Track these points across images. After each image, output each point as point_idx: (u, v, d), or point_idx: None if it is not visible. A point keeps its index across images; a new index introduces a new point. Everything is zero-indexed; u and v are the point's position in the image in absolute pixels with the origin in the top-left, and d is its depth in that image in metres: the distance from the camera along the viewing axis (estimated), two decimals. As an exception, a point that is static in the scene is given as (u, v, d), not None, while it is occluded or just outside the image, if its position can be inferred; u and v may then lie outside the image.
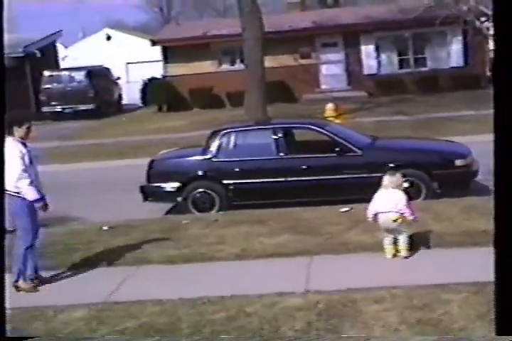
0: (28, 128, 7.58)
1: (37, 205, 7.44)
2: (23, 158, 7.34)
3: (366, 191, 9.13)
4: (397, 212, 7.46)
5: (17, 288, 7.47)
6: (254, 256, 8.06)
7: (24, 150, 7.41)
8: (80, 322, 6.36)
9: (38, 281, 7.65)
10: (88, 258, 8.46)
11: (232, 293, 6.75)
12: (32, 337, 5.95)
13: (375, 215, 7.65)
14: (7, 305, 5.47)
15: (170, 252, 8.44)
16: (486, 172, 11.26)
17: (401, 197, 7.53)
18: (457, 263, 7.27)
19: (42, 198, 7.47)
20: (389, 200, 7.53)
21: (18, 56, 30.93)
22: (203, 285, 7.17)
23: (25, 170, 7.32)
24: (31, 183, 7.34)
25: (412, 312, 5.93)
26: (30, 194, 7.33)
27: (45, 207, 7.56)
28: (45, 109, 30.21)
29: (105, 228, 9.91)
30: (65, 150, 20.51)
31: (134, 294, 7.04)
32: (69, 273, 8.01)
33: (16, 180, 7.27)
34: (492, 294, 6.09)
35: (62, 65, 37.61)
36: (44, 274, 7.82)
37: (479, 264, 7.12)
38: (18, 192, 7.32)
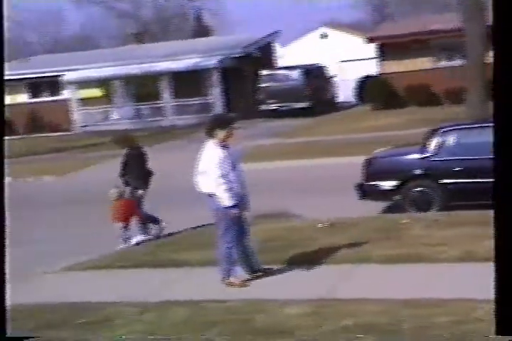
0: (230, 130, 7.64)
1: (230, 212, 7.54)
2: (220, 163, 7.44)
3: None
4: None
5: (229, 284, 7.70)
6: (478, 259, 7.75)
7: (223, 155, 7.49)
8: (302, 317, 6.45)
9: (256, 276, 7.85)
10: (308, 254, 8.57)
11: (457, 297, 6.53)
12: (32, 337, 6.05)
13: None
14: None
15: (389, 252, 8.33)
16: None
17: None
18: None
19: (235, 205, 7.51)
20: None
21: (238, 56, 32.17)
22: (424, 287, 7.01)
23: (222, 176, 7.41)
24: (228, 190, 7.43)
25: None
26: (225, 200, 7.46)
27: (237, 214, 7.61)
28: (262, 107, 31.16)
29: (322, 225, 9.99)
30: (281, 147, 20.96)
31: (354, 292, 7.03)
32: (289, 269, 8.15)
33: (212, 185, 7.45)
34: None
35: (279, 63, 38.56)
36: (266, 269, 8.03)
37: None
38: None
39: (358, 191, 11.44)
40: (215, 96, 31.58)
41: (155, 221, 10.85)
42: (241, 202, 7.67)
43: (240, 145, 8.48)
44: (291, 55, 42.75)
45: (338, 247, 8.66)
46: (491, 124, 11.57)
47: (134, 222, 10.68)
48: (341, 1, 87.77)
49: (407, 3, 62.28)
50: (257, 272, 7.94)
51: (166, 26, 55.90)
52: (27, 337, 5.96)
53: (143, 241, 10.50)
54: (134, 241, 10.49)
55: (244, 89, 32.06)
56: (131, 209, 10.57)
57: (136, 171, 10.68)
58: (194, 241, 9.84)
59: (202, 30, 54.21)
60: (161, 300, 7.42)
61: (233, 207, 7.52)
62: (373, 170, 11.52)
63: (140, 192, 10.67)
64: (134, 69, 32.45)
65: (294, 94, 30.27)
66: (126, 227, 10.50)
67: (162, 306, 7.23)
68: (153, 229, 10.83)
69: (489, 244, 8.07)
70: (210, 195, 7.57)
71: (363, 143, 18.25)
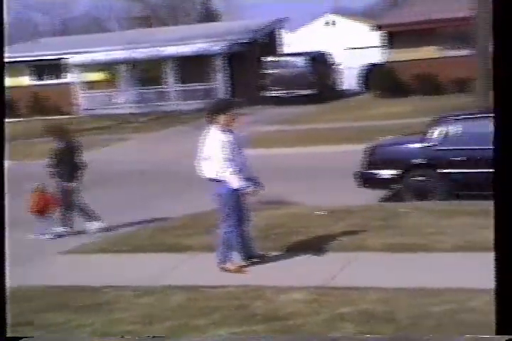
0: (233, 115, 7.65)
1: (242, 192, 7.59)
2: (225, 147, 7.44)
3: None
4: None
5: (224, 270, 7.74)
6: (478, 249, 7.76)
7: (226, 139, 7.50)
8: (300, 304, 6.48)
9: (251, 263, 7.88)
10: (308, 241, 8.59)
11: (452, 286, 6.56)
12: (32, 337, 6.08)
13: None
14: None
15: (389, 240, 8.36)
16: None
17: None
18: None
19: (246, 186, 7.57)
20: None
21: (245, 42, 32.10)
22: (423, 276, 7.03)
23: (227, 159, 7.44)
24: (234, 172, 7.46)
25: None
26: (234, 182, 7.48)
27: (254, 192, 7.70)
28: (267, 94, 31.11)
29: (321, 213, 10.01)
30: (285, 134, 20.96)
31: (354, 280, 7.06)
32: (289, 256, 8.18)
33: (219, 169, 7.47)
34: None
35: (286, 50, 38.46)
36: (262, 255, 8.07)
37: None
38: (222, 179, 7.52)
39: (357, 179, 11.45)
40: (220, 82, 31.53)
41: (90, 216, 10.60)
42: (252, 182, 7.72)
43: (244, 131, 8.44)
44: (298, 41, 42.64)
45: (339, 235, 8.69)
46: (492, 115, 11.68)
47: (54, 214, 10.65)
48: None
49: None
50: (253, 258, 7.97)
51: (174, 10, 55.74)
52: (27, 337, 6.02)
53: (62, 235, 10.48)
54: (50, 233, 10.48)
55: (250, 75, 31.99)
56: (47, 202, 10.55)
57: (68, 164, 10.54)
58: (197, 226, 9.86)
59: (209, 15, 54.08)
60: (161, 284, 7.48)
61: (243, 188, 7.55)
62: (374, 159, 11.52)
63: (70, 184, 10.52)
64: (140, 53, 32.39)
65: (298, 81, 30.21)
66: (43, 219, 10.52)
67: (162, 291, 7.27)
68: (89, 224, 10.61)
69: (489, 234, 8.13)
70: (215, 180, 7.59)
71: (367, 131, 18.27)
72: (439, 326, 5.73)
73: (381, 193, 11.71)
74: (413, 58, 28.42)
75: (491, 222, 8.61)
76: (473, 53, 19.80)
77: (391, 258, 7.83)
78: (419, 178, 10.94)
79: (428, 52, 28.69)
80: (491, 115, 11.81)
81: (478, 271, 7.00)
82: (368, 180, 11.46)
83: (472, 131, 10.88)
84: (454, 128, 10.96)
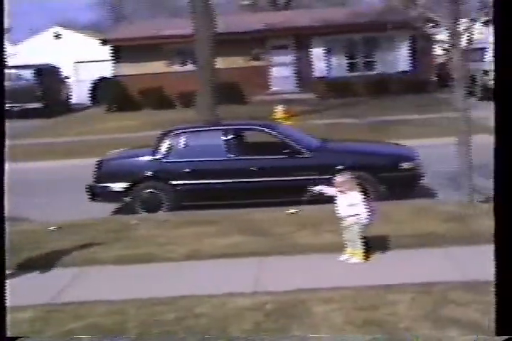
0: None
1: None
2: None
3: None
4: (355, 214, 7.50)
5: None
6: (205, 257, 8.09)
7: None
8: (27, 323, 6.30)
9: None
10: (36, 258, 8.37)
11: (182, 294, 6.77)
12: (32, 337, 5.88)
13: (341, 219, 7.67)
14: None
15: (119, 252, 8.40)
16: (431, 176, 11.52)
17: (357, 199, 7.51)
18: (406, 264, 7.41)
19: None
20: (346, 204, 7.54)
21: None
22: (153, 286, 7.17)
23: None
24: None
25: (358, 313, 6.02)
26: None
27: None
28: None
29: (53, 228, 9.81)
30: (18, 148, 20.16)
31: (83, 295, 7.01)
32: (16, 274, 7.90)
33: None
34: (440, 294, 6.29)
35: (10, 62, 37.00)
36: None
37: (428, 265, 7.31)
38: None
39: (88, 192, 11.38)
40: None
41: None
42: None
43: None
44: (23, 53, 41.19)
45: (68, 250, 8.56)
46: (218, 127, 12.27)
47: None
48: (76, 1, 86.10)
49: (144, 7, 62.86)
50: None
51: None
52: (27, 337, 5.76)
53: None
54: None
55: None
56: None
57: None
58: None
59: None
60: None
61: None
62: (104, 172, 11.51)
63: None
64: None
65: (26, 94, 29.27)
66: None
67: None
68: None
69: (215, 242, 8.52)
70: None
71: (96, 145, 18.17)
72: (168, 332, 5.89)
73: (113, 206, 11.72)
74: (142, 72, 28.85)
75: (214, 230, 9.09)
76: (196, 68, 20.53)
77: (121, 270, 7.87)
78: (150, 190, 11.12)
79: (156, 66, 29.28)
80: (214, 128, 12.51)
81: (209, 278, 7.34)
82: (99, 194, 11.42)
83: (198, 143, 11.34)
84: (181, 141, 11.31)
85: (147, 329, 5.99)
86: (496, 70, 4.84)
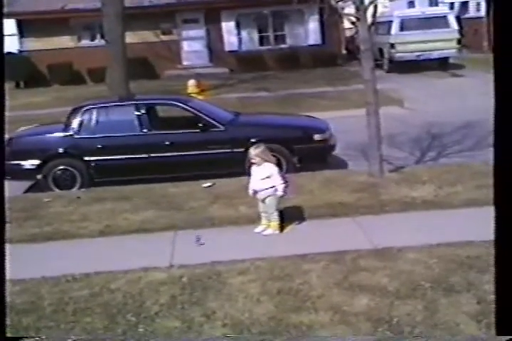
0: None
1: None
2: None
3: (229, 166, 9.86)
4: (271, 187, 7.58)
5: None
6: (119, 233, 8.06)
7: None
8: None
9: None
10: None
11: (97, 270, 6.73)
12: (32, 337, 5.74)
13: (255, 192, 7.74)
14: None
15: (32, 230, 8.28)
16: (343, 147, 11.76)
17: (272, 171, 7.60)
18: (319, 234, 7.57)
19: None
20: (261, 176, 7.62)
21: None
22: (67, 263, 7.09)
23: None
24: None
25: (273, 283, 6.13)
26: None
27: None
28: None
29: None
30: None
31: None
32: None
33: None
34: (350, 262, 6.46)
35: None
36: None
37: (339, 234, 7.49)
38: None
39: (-1, 171, 11.10)
40: None
41: None
42: None
43: None
44: None
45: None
46: (128, 102, 12.11)
47: None
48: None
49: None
50: None
51: None
52: (27, 337, 5.52)
53: None
54: None
55: None
56: None
57: None
58: None
59: None
60: None
61: None
62: (15, 149, 11.23)
63: None
64: None
65: None
66: None
67: None
68: None
69: (129, 218, 8.49)
70: None
71: (8, 122, 17.66)
72: (82, 310, 5.86)
73: (26, 184, 11.49)
74: (49, 47, 28.12)
75: (127, 206, 9.03)
76: (105, 44, 20.16)
77: (33, 249, 7.76)
78: (63, 167, 10.94)
79: (64, 41, 28.62)
80: (125, 103, 12.33)
81: (123, 254, 7.32)
82: (9, 172, 11.14)
83: (108, 119, 11.21)
84: (92, 117, 11.14)
85: (62, 307, 5.95)
86: (496, 52, 4.50)
